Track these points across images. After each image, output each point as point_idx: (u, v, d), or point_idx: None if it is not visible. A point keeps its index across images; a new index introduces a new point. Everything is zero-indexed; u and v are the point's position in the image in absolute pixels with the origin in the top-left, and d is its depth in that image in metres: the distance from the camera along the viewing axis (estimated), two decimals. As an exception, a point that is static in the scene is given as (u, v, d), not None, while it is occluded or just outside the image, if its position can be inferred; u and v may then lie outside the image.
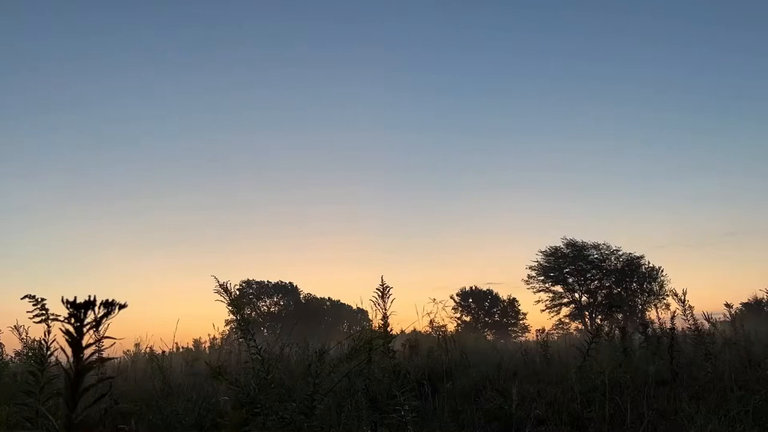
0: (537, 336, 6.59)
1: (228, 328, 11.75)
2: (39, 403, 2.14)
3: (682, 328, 5.70)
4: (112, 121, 50.41)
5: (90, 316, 0.76)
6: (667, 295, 29.69)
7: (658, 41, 49.74)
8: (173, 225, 51.14)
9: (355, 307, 35.10)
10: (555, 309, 34.66)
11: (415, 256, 49.29)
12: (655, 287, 33.49)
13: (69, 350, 0.76)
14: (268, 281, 38.40)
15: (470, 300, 38.29)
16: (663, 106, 50.99)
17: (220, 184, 54.14)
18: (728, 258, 42.62)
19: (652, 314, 29.61)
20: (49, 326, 2.34)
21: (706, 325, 5.79)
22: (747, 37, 48.22)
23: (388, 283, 2.97)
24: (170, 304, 33.71)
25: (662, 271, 33.52)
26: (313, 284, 50.98)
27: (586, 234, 48.54)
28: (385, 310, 2.82)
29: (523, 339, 28.83)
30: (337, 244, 54.03)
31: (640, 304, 32.43)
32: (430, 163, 55.46)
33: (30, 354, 2.78)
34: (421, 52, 53.63)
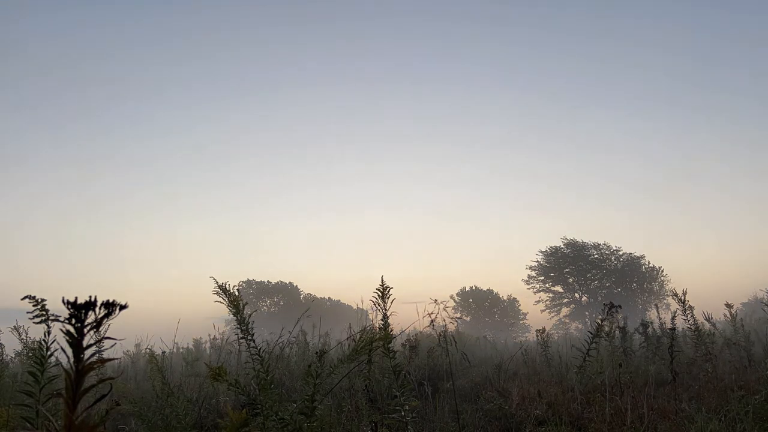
0: (537, 336, 6.58)
1: (228, 328, 11.76)
2: (39, 404, 2.14)
3: (683, 328, 5.70)
4: (115, 120, 50.37)
5: (90, 317, 0.76)
6: (668, 295, 29.72)
7: (659, 44, 49.66)
8: (174, 224, 51.05)
9: (355, 307, 35.07)
10: (555, 309, 34.69)
11: (415, 255, 49.20)
12: (655, 287, 33.51)
13: (69, 351, 0.76)
14: (268, 281, 38.43)
15: (470, 300, 38.30)
16: (663, 105, 50.91)
17: (220, 184, 54.05)
18: (729, 258, 42.58)
19: (652, 314, 29.59)
20: (49, 327, 2.34)
21: (707, 325, 5.79)
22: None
23: (388, 283, 2.96)
24: (171, 303, 33.71)
25: (662, 271, 33.55)
26: (313, 284, 50.98)
27: (588, 234, 48.54)
28: (385, 310, 2.81)
29: (523, 339, 28.79)
30: (338, 244, 53.96)
31: (640, 304, 32.44)
32: (431, 164, 55.43)
33: (30, 354, 2.78)
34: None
